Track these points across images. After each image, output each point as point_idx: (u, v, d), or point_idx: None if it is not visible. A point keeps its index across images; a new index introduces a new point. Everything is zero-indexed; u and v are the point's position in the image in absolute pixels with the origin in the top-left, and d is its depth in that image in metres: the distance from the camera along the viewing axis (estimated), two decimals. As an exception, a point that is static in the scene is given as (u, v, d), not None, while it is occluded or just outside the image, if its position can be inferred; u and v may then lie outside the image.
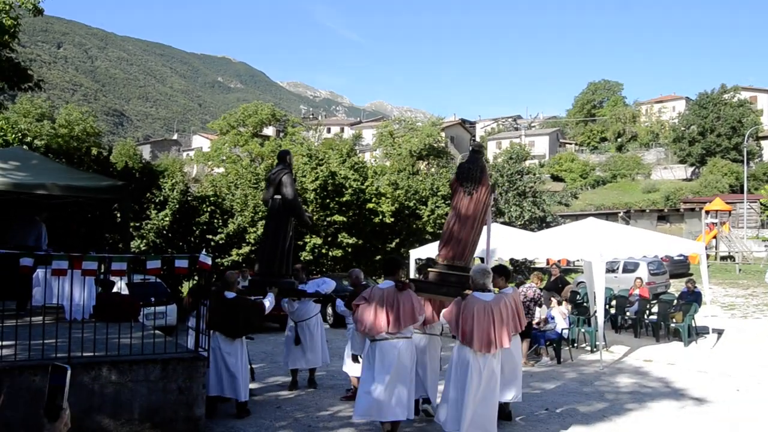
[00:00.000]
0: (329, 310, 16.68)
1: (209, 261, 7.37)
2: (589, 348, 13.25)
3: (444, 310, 6.90)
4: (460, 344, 6.48)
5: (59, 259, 6.22)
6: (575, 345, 13.26)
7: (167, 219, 18.66)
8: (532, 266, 29.68)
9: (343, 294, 10.22)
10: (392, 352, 6.58)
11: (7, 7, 15.90)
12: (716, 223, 34.74)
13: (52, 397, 2.13)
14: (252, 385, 9.89)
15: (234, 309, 7.93)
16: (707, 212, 36.16)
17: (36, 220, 10.50)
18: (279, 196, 8.99)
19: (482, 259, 9.69)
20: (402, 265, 7.47)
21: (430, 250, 13.28)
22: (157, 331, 8.43)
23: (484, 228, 8.22)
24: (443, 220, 25.60)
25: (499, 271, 7.97)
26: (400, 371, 6.61)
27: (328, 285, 9.51)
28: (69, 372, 2.13)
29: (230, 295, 8.06)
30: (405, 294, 6.73)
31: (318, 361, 9.67)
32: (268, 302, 8.37)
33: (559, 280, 14.26)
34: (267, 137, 69.65)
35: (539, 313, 12.50)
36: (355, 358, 8.07)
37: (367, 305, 6.70)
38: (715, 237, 33.46)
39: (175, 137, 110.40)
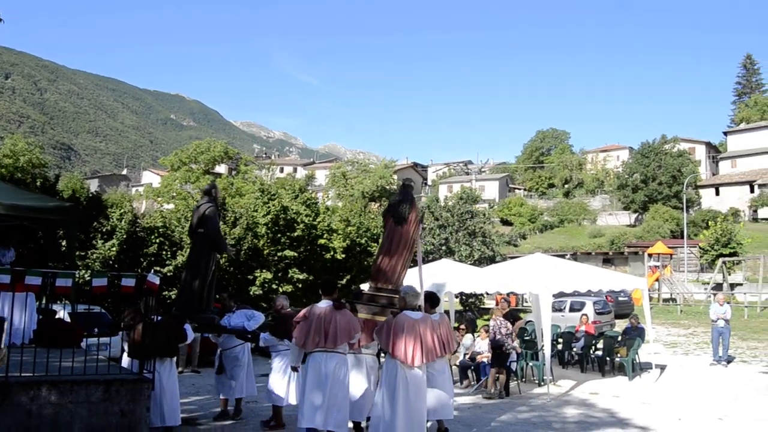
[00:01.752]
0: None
1: (157, 281, 7.26)
2: (536, 381, 13.38)
3: (377, 327, 7.41)
4: (390, 357, 7.00)
5: (0, 272, 6.03)
6: (523, 379, 13.38)
7: (114, 249, 18.22)
8: (481, 305, 29.99)
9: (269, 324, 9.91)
10: (328, 364, 7.03)
11: (-44, 29, 15.58)
12: (658, 266, 35.77)
13: None
14: (197, 414, 9.68)
15: (159, 329, 7.76)
16: (650, 255, 37.23)
17: (11, 243, 10.20)
18: (202, 230, 8.80)
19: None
20: (337, 287, 7.97)
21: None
22: (100, 356, 8.21)
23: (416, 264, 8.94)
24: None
25: (427, 297, 8.32)
26: (334, 384, 7.02)
27: (255, 320, 9.30)
28: (6, 322, 2.61)
29: (156, 318, 7.96)
30: (341, 312, 7.26)
31: (242, 391, 9.37)
32: (190, 332, 8.34)
33: (509, 315, 14.41)
34: (219, 175, 68.96)
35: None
36: (294, 369, 8.08)
37: (306, 322, 7.19)
38: (657, 280, 34.40)
39: (124, 172, 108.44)
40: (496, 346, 11.97)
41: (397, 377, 6.81)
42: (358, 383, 8.02)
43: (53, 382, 6.48)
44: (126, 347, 8.64)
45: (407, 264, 8.65)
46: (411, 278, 9.71)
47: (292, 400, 8.67)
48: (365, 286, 15.99)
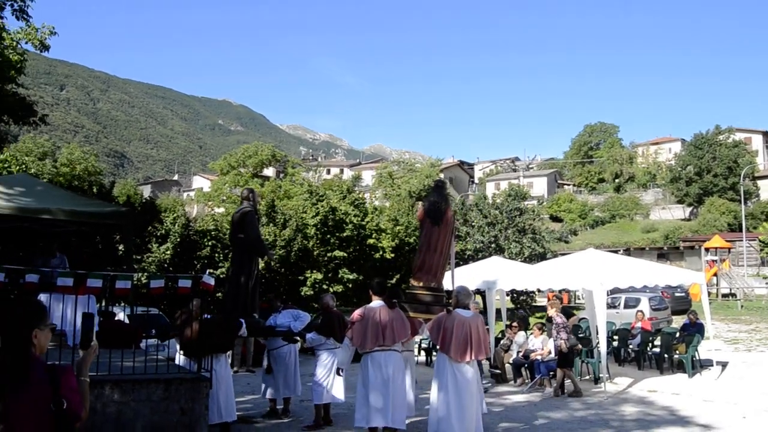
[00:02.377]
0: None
1: (212, 282, 7.40)
2: (592, 379, 13.14)
3: (429, 322, 7.62)
4: (441, 353, 7.25)
5: (64, 276, 6.22)
6: (579, 377, 13.13)
7: (168, 252, 18.66)
8: (533, 303, 29.62)
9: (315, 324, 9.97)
10: (381, 364, 7.23)
11: (14, 44, 16.16)
12: (716, 261, 34.71)
13: (84, 334, 3.30)
14: (253, 413, 9.82)
15: (212, 326, 7.91)
16: (707, 250, 36.18)
17: (55, 250, 10.52)
18: (242, 235, 8.70)
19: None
20: (388, 287, 8.25)
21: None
22: (159, 356, 8.41)
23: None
24: (443, 256, 25.65)
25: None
26: (392, 381, 7.23)
27: (301, 321, 9.37)
28: (96, 317, 3.02)
29: (206, 316, 8.15)
30: (396, 312, 7.50)
31: (289, 391, 9.47)
32: (243, 326, 8.47)
33: (562, 312, 14.19)
34: (267, 178, 70.07)
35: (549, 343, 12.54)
36: (338, 371, 8.16)
37: (362, 322, 7.36)
38: (715, 274, 33.41)
39: (175, 178, 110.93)
40: (572, 346, 11.81)
41: (446, 373, 7.07)
42: (408, 380, 8.15)
43: (116, 381, 6.67)
44: (179, 347, 8.81)
45: (446, 261, 8.93)
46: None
47: (339, 396, 8.82)
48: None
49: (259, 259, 9.65)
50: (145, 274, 17.73)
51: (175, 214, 20.35)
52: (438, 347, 7.32)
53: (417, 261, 8.86)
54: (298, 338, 9.35)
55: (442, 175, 71.67)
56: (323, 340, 8.96)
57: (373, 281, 8.14)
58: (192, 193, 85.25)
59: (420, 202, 9.25)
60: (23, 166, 21.50)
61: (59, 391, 2.77)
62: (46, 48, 16.41)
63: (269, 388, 9.51)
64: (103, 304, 11.17)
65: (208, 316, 8.14)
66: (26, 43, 16.30)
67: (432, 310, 8.30)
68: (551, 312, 12.36)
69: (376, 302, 7.58)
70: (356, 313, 7.57)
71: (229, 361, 13.77)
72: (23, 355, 2.82)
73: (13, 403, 2.72)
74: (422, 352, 16.10)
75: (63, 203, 9.59)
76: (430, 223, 8.65)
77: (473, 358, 7.17)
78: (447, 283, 9.35)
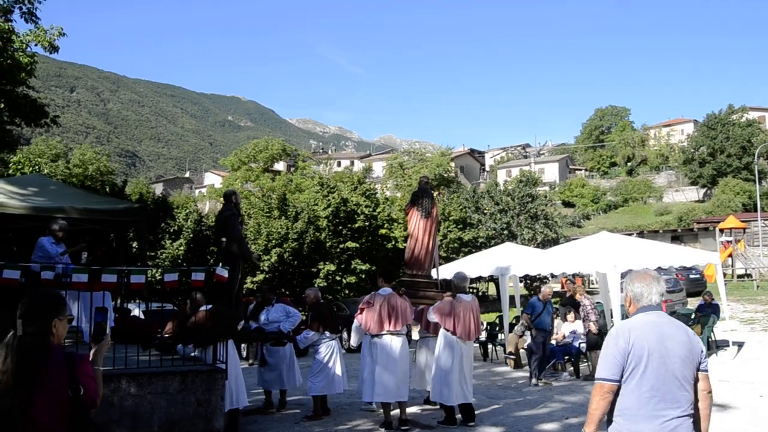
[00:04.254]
0: (344, 335, 16.39)
1: (226, 274, 7.43)
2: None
3: (433, 307, 8.36)
4: (449, 333, 8.06)
5: (79, 272, 6.29)
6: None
7: (182, 248, 18.80)
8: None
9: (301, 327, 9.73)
10: (391, 346, 7.89)
11: (24, 46, 16.29)
12: (731, 241, 34.39)
13: (97, 329, 3.28)
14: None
15: (216, 315, 7.89)
16: (721, 230, 35.84)
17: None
18: (224, 239, 8.48)
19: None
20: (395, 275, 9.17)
21: (442, 273, 13.31)
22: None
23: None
24: (456, 244, 25.63)
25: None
26: (399, 361, 7.92)
27: (292, 321, 9.29)
28: (110, 311, 2.87)
29: (206, 306, 8.13)
30: (402, 299, 8.14)
31: (284, 383, 9.37)
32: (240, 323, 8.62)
33: (570, 301, 14.16)
34: (278, 172, 70.23)
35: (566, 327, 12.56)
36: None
37: (371, 308, 7.98)
38: (730, 255, 33.12)
39: (187, 175, 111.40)
40: (603, 331, 11.89)
41: (454, 350, 7.99)
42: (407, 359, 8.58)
43: (132, 375, 6.74)
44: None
45: (434, 250, 9.90)
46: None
47: (338, 388, 8.89)
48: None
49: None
50: (159, 269, 17.91)
51: (187, 211, 20.49)
52: (447, 329, 8.09)
53: (408, 252, 9.76)
54: (287, 341, 9.29)
55: (453, 164, 71.58)
56: (317, 336, 8.84)
57: (381, 269, 8.54)
58: (204, 190, 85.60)
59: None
60: (36, 167, 21.70)
61: (76, 377, 2.91)
62: (56, 49, 16.53)
63: (263, 381, 9.47)
64: (119, 301, 11.30)
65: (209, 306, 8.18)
66: (36, 45, 16.44)
67: (428, 296, 9.15)
68: (578, 296, 12.46)
69: (384, 290, 8.10)
70: (366, 299, 8.14)
71: (245, 354, 13.88)
72: (44, 343, 2.95)
73: (36, 390, 2.85)
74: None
75: (76, 202, 9.68)
76: (420, 217, 9.61)
77: (475, 336, 8.18)
78: (433, 272, 10.12)
